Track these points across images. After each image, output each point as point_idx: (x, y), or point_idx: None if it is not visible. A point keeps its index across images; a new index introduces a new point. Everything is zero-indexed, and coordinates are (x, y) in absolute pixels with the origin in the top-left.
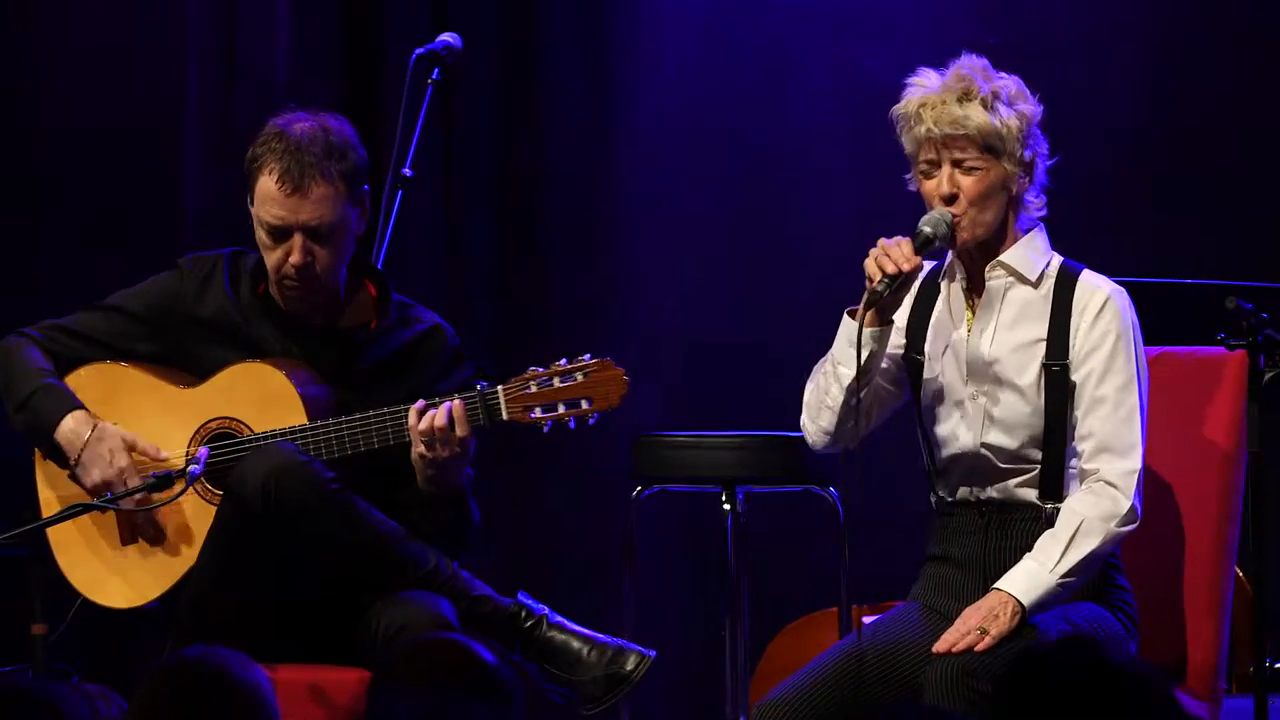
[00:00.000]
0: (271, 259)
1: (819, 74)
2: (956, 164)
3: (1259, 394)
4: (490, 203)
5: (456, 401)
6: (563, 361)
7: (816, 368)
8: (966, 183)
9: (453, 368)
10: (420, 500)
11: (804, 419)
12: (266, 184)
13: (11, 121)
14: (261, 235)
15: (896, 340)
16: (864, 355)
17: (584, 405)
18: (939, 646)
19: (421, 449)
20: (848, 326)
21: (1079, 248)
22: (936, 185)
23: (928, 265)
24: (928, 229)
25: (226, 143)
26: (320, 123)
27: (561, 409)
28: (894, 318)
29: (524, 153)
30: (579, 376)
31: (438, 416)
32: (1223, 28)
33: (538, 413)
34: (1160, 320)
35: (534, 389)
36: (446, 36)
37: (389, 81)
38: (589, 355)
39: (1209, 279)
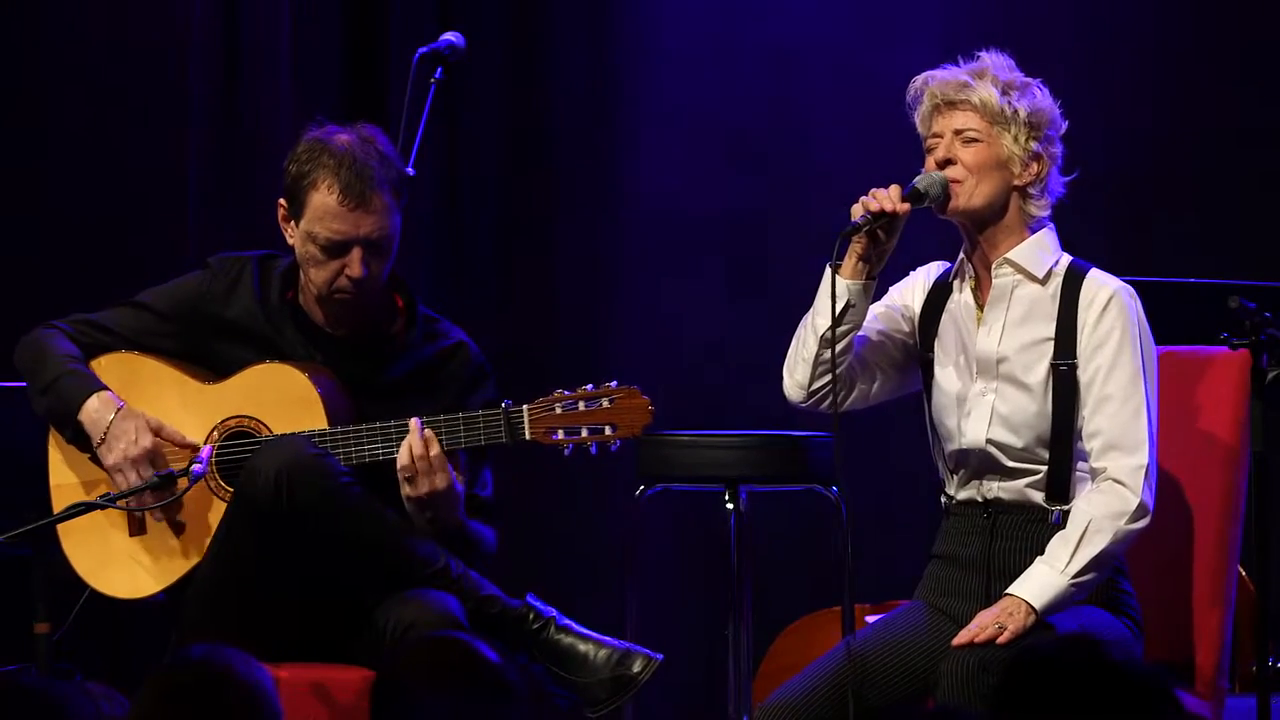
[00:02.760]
0: (324, 274)
1: (823, 74)
2: (957, 133)
3: (1262, 393)
4: (493, 202)
5: (429, 431)
6: (589, 386)
7: (800, 324)
8: (965, 153)
9: (475, 386)
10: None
11: (784, 373)
12: (324, 200)
13: (14, 123)
14: (313, 251)
15: (903, 326)
16: (840, 304)
17: (607, 431)
18: (959, 640)
19: (406, 489)
20: (830, 279)
21: (1081, 247)
22: (935, 155)
23: (941, 266)
24: (921, 184)
25: (230, 142)
26: (361, 134)
27: (585, 433)
28: (874, 276)
29: (527, 152)
30: (605, 402)
31: (414, 444)
32: (1225, 27)
33: (560, 435)
34: (1163, 319)
35: (559, 411)
36: (450, 35)
37: (392, 81)
38: (615, 382)
39: (1211, 278)
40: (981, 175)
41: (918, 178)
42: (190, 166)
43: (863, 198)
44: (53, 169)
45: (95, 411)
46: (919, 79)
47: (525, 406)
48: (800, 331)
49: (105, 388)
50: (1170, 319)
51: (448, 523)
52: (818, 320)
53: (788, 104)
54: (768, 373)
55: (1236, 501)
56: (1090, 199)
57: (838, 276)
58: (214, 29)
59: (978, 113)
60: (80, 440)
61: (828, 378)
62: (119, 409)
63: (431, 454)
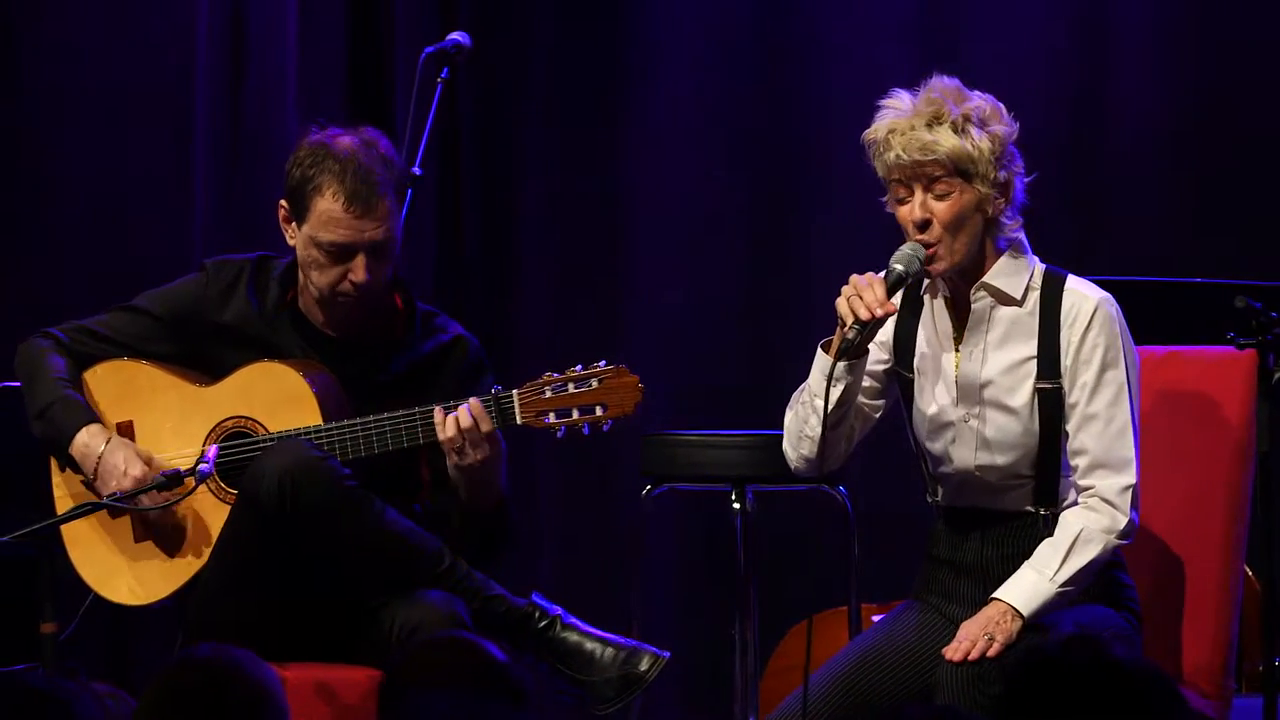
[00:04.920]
0: (327, 278)
1: (827, 74)
2: (928, 189)
3: (1269, 393)
4: (498, 202)
5: (473, 400)
6: (578, 367)
7: (795, 396)
8: (939, 208)
9: (474, 380)
10: (450, 509)
11: (785, 446)
12: (329, 206)
13: (18, 122)
14: (316, 255)
15: (880, 355)
16: (839, 390)
17: (598, 412)
18: (950, 656)
19: (454, 458)
20: (822, 360)
21: (1085, 247)
22: (909, 211)
23: None
24: (900, 267)
25: (235, 142)
26: (364, 137)
27: (576, 415)
28: (867, 348)
29: (532, 151)
30: (594, 383)
31: (461, 417)
32: (1230, 26)
33: (552, 418)
34: (1169, 320)
35: (549, 394)
36: (455, 35)
37: (398, 81)
38: (604, 362)
39: (1218, 278)
40: (959, 228)
41: (894, 258)
42: (196, 167)
43: (847, 293)
44: (57, 169)
45: (85, 445)
46: (879, 130)
47: (515, 391)
48: (799, 410)
49: (95, 419)
50: (1176, 319)
51: (494, 488)
52: (817, 402)
53: (790, 102)
54: (773, 372)
55: (1243, 501)
56: (1097, 199)
57: (830, 359)
58: (219, 29)
59: (946, 169)
60: (74, 468)
61: (830, 448)
62: (108, 442)
63: (483, 429)
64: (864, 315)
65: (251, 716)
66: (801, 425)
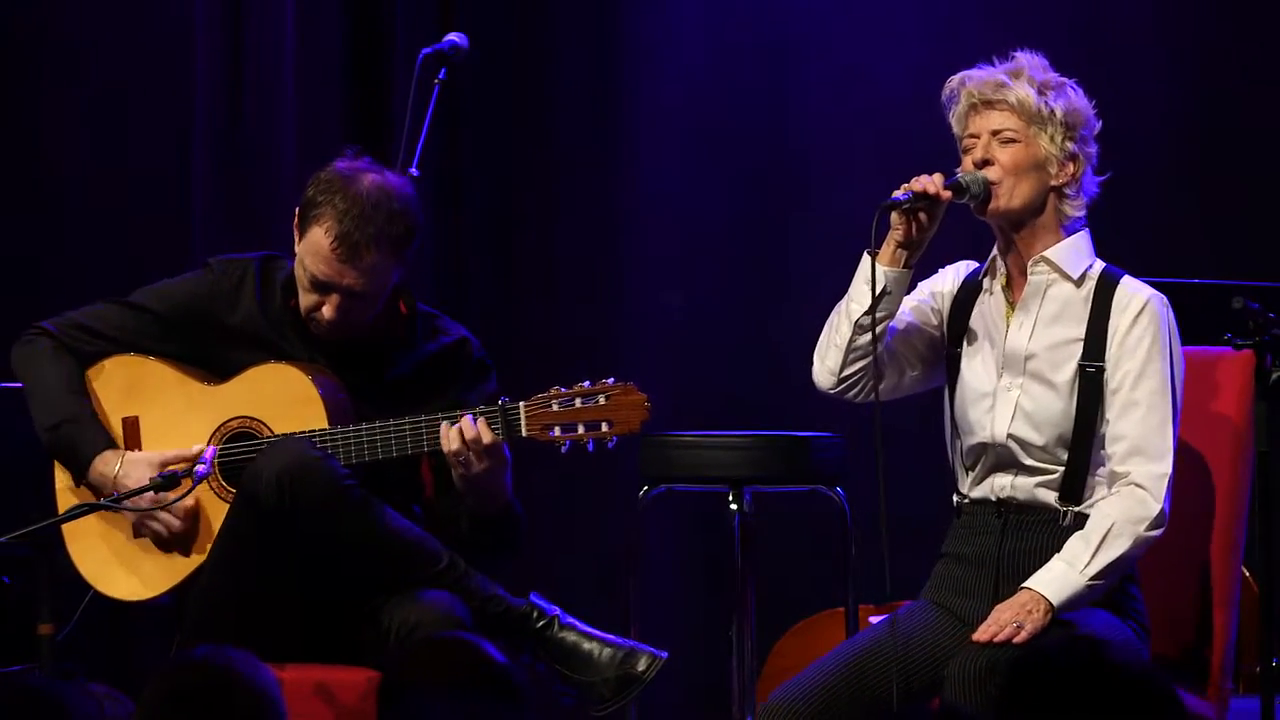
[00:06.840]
0: (306, 299)
1: (826, 74)
2: (995, 134)
3: (1266, 393)
4: (496, 203)
5: (481, 419)
6: (586, 382)
7: (834, 310)
8: (1002, 153)
9: (477, 381)
10: (458, 513)
11: (815, 361)
12: (320, 239)
13: (19, 122)
14: (301, 276)
15: (931, 320)
16: (878, 289)
17: (604, 428)
18: (979, 636)
19: (459, 469)
20: (867, 265)
21: None
22: (973, 155)
23: (970, 265)
24: (964, 178)
25: (234, 144)
26: (385, 181)
27: (581, 430)
28: (912, 265)
29: (530, 152)
30: (601, 399)
31: (464, 429)
32: (1230, 26)
33: (557, 432)
34: None
35: (555, 408)
36: (453, 36)
37: (396, 82)
38: (612, 379)
39: (1216, 279)
40: (1019, 176)
41: (960, 172)
42: (194, 167)
43: (905, 183)
44: (57, 169)
45: (100, 475)
46: (955, 78)
47: (521, 403)
48: (834, 318)
49: (110, 444)
50: (1175, 319)
51: (501, 496)
52: (853, 306)
53: (788, 103)
54: (773, 373)
55: (1241, 501)
56: (1095, 199)
57: (875, 263)
58: (218, 29)
59: (1015, 113)
60: (87, 484)
61: (858, 365)
62: (120, 463)
63: (486, 442)
64: (916, 188)
65: (249, 718)
66: (832, 334)
